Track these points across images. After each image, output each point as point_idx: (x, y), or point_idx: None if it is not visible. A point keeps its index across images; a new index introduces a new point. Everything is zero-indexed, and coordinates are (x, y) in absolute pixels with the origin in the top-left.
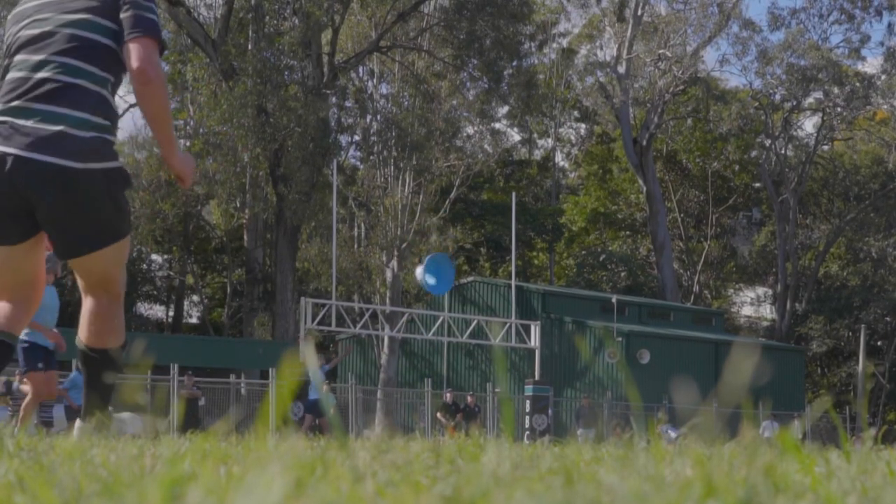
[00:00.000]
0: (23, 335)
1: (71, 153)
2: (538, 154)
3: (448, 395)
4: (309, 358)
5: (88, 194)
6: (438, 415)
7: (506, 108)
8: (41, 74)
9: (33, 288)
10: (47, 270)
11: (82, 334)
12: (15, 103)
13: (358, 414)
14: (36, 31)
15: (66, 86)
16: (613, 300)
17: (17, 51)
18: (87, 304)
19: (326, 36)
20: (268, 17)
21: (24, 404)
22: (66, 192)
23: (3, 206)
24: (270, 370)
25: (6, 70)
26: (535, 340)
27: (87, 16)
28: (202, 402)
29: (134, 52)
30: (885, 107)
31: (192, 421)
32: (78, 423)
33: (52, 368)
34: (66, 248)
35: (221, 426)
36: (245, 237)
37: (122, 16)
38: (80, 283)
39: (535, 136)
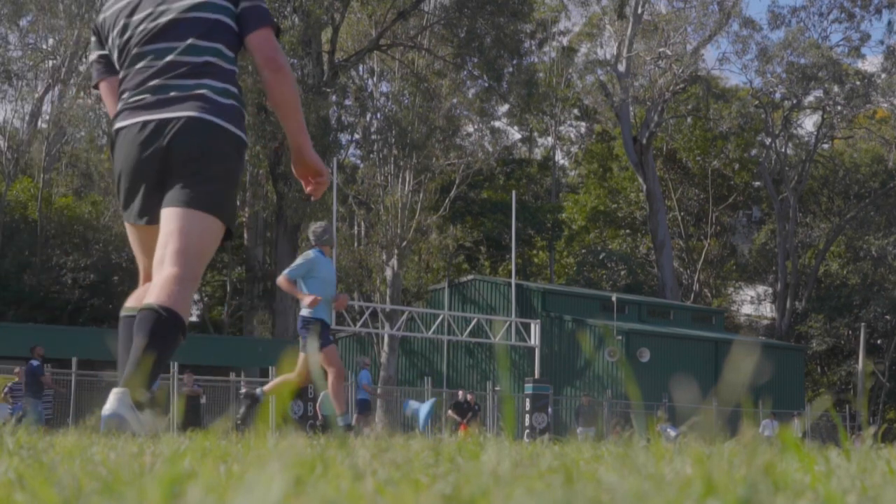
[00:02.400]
0: (305, 311)
1: (213, 112)
2: (538, 152)
3: (461, 393)
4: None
5: (220, 150)
6: (450, 412)
7: (506, 107)
8: (174, 57)
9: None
10: (324, 242)
11: (151, 296)
12: (154, 82)
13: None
14: (162, 21)
15: (203, 62)
16: (613, 299)
17: (144, 43)
18: (157, 277)
19: (327, 34)
20: None
21: (330, 382)
22: (200, 143)
23: (144, 177)
24: (270, 368)
25: (130, 61)
26: (534, 339)
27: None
28: (203, 399)
29: (261, 43)
30: (885, 105)
31: (193, 419)
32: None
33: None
34: (174, 195)
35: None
36: (245, 235)
37: (241, 5)
38: (155, 256)
39: (536, 134)
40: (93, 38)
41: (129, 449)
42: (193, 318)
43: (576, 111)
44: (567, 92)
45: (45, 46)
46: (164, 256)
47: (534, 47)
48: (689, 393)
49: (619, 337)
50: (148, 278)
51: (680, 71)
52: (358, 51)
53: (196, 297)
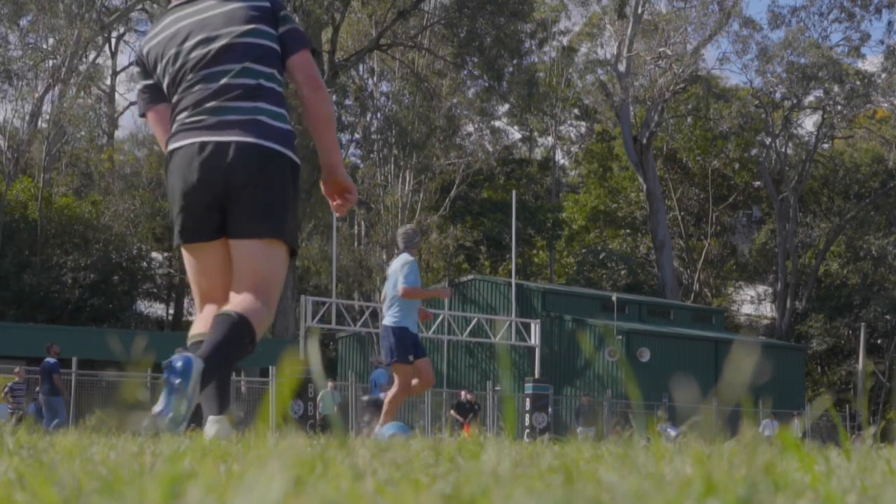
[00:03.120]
0: (390, 320)
1: (269, 137)
2: (538, 152)
3: (462, 394)
4: (312, 355)
5: (278, 175)
6: (452, 412)
7: (506, 107)
8: (230, 80)
9: (226, 291)
10: (414, 246)
11: (229, 305)
12: (210, 104)
13: (358, 412)
14: (215, 46)
15: (257, 85)
16: (613, 298)
17: (199, 68)
18: (235, 296)
19: (327, 34)
20: None
21: (389, 397)
22: (259, 169)
23: (201, 197)
24: (270, 368)
25: (185, 86)
26: (535, 339)
27: (255, 25)
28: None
29: (301, 64)
30: (885, 105)
31: (194, 419)
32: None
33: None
34: (239, 224)
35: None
36: None
37: (280, 29)
38: (233, 285)
39: (536, 134)
40: (137, 69)
41: (130, 448)
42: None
43: (576, 111)
44: (567, 92)
45: (45, 46)
46: (240, 289)
47: (534, 47)
48: (689, 393)
49: (619, 337)
50: (207, 301)
51: (680, 71)
52: (358, 50)
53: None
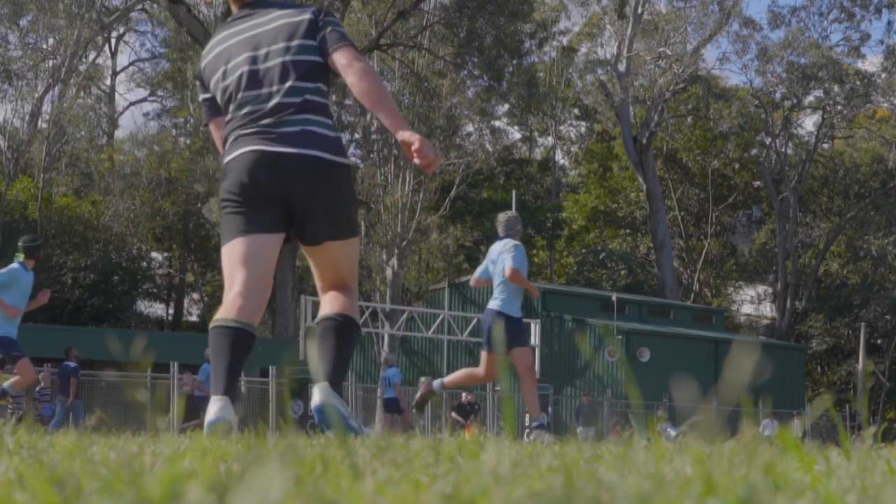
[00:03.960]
0: (496, 304)
1: (324, 148)
2: (538, 152)
3: (463, 395)
4: (311, 356)
5: (338, 183)
6: (453, 414)
7: (506, 107)
8: (280, 99)
9: (269, 284)
10: (517, 233)
11: (326, 308)
12: (266, 121)
13: (358, 412)
14: (263, 66)
15: (304, 101)
16: (613, 298)
17: (248, 87)
18: (329, 294)
19: None
20: None
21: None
22: (321, 180)
23: (262, 193)
24: (270, 368)
25: (237, 105)
26: (535, 339)
27: (298, 41)
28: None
29: (345, 54)
30: (886, 105)
31: (194, 419)
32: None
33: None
34: (315, 233)
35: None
36: None
37: (322, 33)
38: (318, 283)
39: (536, 134)
40: (197, 83)
41: (129, 448)
42: (193, 318)
43: (576, 111)
44: (567, 92)
45: (45, 46)
46: (328, 286)
47: (534, 47)
48: (689, 392)
49: (619, 337)
50: (239, 289)
51: (680, 71)
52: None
53: (196, 296)
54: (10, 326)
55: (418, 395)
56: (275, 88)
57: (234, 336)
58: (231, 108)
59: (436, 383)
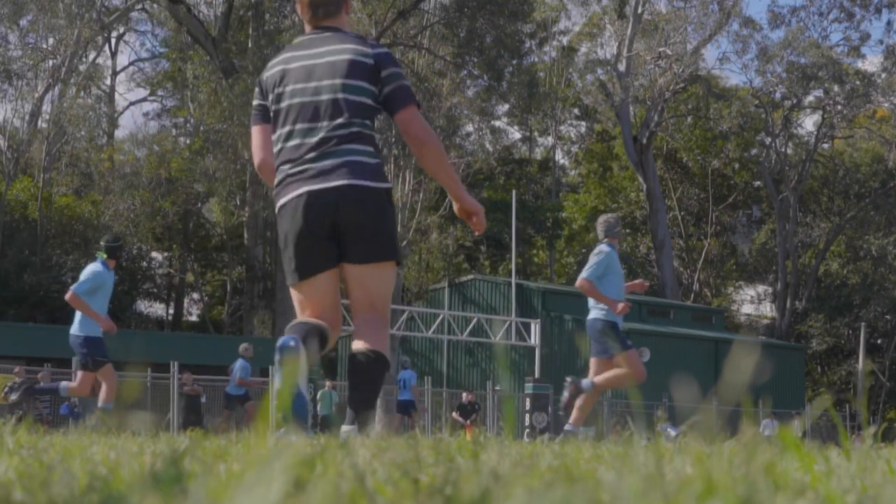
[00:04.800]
0: (598, 314)
1: (364, 175)
2: (538, 152)
3: (464, 395)
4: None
5: (379, 206)
6: (454, 414)
7: (506, 106)
8: (327, 133)
9: (339, 315)
10: (616, 235)
11: (359, 343)
12: (310, 155)
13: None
14: (316, 99)
15: (349, 133)
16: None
17: (297, 121)
18: (360, 321)
19: None
20: (268, 15)
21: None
22: (362, 205)
23: (315, 233)
24: (271, 368)
25: (286, 135)
26: (535, 338)
27: (354, 81)
28: (203, 399)
29: (408, 122)
30: (886, 105)
31: (194, 418)
32: (345, 426)
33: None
34: (355, 253)
35: (221, 424)
36: (245, 235)
37: (387, 89)
38: (353, 305)
39: (536, 134)
40: (256, 89)
41: (129, 448)
42: (193, 318)
43: (576, 111)
44: (567, 92)
45: (45, 46)
46: (360, 310)
47: (534, 47)
48: (689, 392)
49: None
50: (308, 313)
51: (680, 70)
52: None
53: (196, 296)
54: (96, 326)
55: (566, 396)
56: (324, 124)
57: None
58: (282, 133)
59: (585, 382)
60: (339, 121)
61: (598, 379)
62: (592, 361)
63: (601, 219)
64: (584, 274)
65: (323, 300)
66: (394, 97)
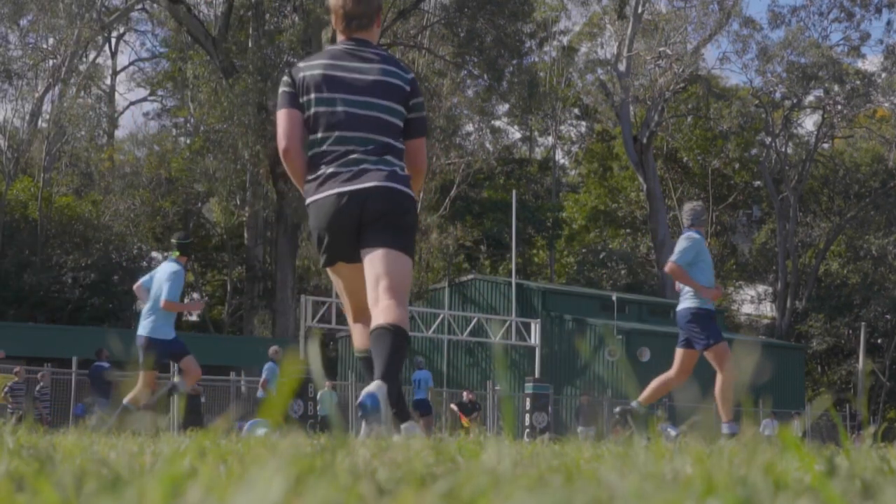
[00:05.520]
0: (691, 302)
1: (397, 181)
2: (538, 152)
3: (465, 395)
4: (312, 356)
5: (406, 208)
6: (454, 406)
7: (506, 106)
8: (370, 146)
9: (393, 294)
10: (702, 223)
11: (380, 318)
12: (347, 158)
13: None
14: (361, 113)
15: (384, 144)
16: (613, 298)
17: (338, 128)
18: (380, 302)
19: (327, 33)
20: (268, 15)
21: (720, 383)
22: (393, 204)
23: (344, 232)
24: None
25: (335, 139)
26: (535, 338)
27: (395, 105)
28: (203, 398)
29: (418, 151)
30: (886, 104)
31: (194, 418)
32: (405, 425)
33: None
34: (376, 240)
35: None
36: (245, 235)
37: (412, 115)
38: (370, 294)
39: (536, 133)
40: (286, 78)
41: (129, 448)
42: (193, 318)
43: (576, 111)
44: (567, 91)
45: (45, 46)
46: (382, 289)
47: (534, 47)
48: (689, 393)
49: (620, 336)
50: (359, 314)
51: (680, 70)
52: None
53: (196, 296)
54: (167, 326)
55: (618, 422)
56: (368, 136)
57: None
58: (326, 136)
59: (634, 404)
60: (380, 137)
61: (644, 396)
62: (678, 353)
63: (688, 206)
64: (673, 258)
65: (359, 290)
66: (415, 125)
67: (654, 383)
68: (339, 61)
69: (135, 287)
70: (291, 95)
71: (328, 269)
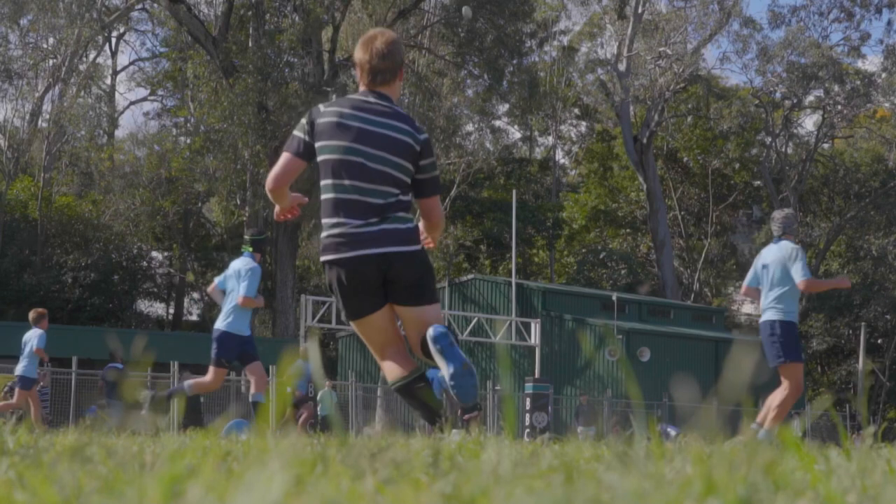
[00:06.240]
0: (776, 314)
1: (410, 241)
2: (539, 152)
3: None
4: (313, 356)
5: (423, 263)
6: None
7: (506, 106)
8: (383, 201)
9: (402, 339)
10: (793, 232)
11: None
12: (365, 218)
13: (358, 411)
14: (373, 167)
15: (395, 202)
16: (614, 298)
17: (358, 178)
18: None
19: (327, 33)
20: (268, 15)
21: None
22: (413, 265)
23: (371, 292)
24: (270, 367)
25: (342, 188)
26: (535, 338)
27: (404, 162)
28: (202, 398)
29: (432, 209)
30: (886, 104)
31: (195, 418)
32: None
33: None
34: (414, 298)
35: (221, 423)
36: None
37: (422, 175)
38: (411, 340)
39: (536, 133)
40: (304, 120)
41: (130, 448)
42: (193, 318)
43: (576, 110)
44: (567, 91)
45: (45, 45)
46: (419, 336)
47: (534, 47)
48: (690, 392)
49: (620, 336)
50: (386, 351)
51: (680, 70)
52: None
53: (196, 296)
54: (243, 322)
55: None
56: (379, 189)
57: (414, 383)
58: (337, 183)
59: (754, 426)
60: (391, 191)
61: (769, 424)
62: (781, 370)
63: (780, 214)
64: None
65: (385, 333)
66: (426, 185)
67: (771, 404)
68: (357, 111)
69: (209, 290)
70: (300, 142)
71: (352, 322)
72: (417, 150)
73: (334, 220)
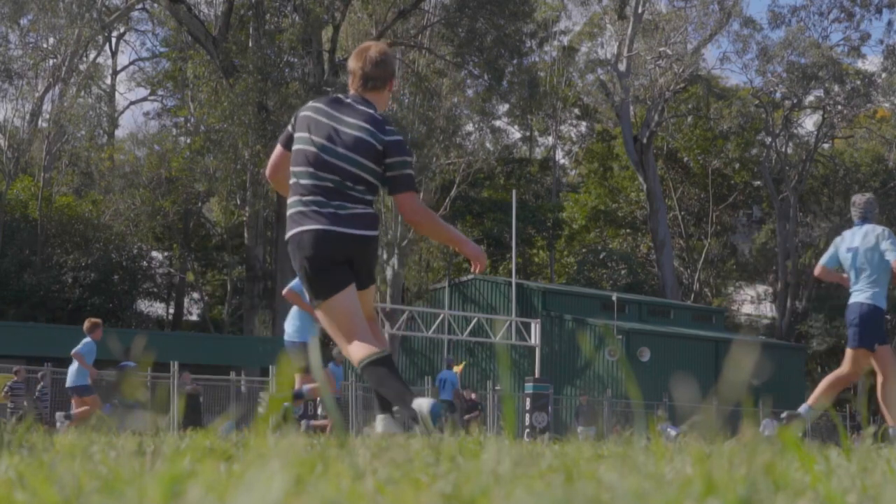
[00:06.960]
0: (862, 297)
1: (366, 226)
2: (539, 152)
3: (465, 393)
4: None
5: (373, 248)
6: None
7: (506, 106)
8: (336, 188)
9: (373, 323)
10: (873, 218)
11: (379, 345)
12: (324, 199)
13: (358, 411)
14: (332, 161)
15: (355, 195)
16: (614, 298)
17: (317, 167)
18: (371, 328)
19: (327, 33)
20: (268, 15)
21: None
22: (366, 248)
23: (329, 261)
24: (271, 367)
25: (305, 177)
26: (535, 338)
27: (362, 159)
28: (202, 398)
29: (402, 206)
30: (886, 105)
31: (194, 417)
32: (380, 417)
33: None
34: (363, 282)
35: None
36: (245, 234)
37: (390, 173)
38: (365, 315)
39: (536, 133)
40: (294, 116)
41: (130, 448)
42: (193, 318)
43: (576, 110)
44: (567, 91)
45: (45, 45)
46: (370, 317)
47: (534, 47)
48: (690, 392)
49: (620, 336)
50: (355, 331)
51: (680, 70)
52: None
53: (196, 296)
54: (306, 331)
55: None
56: (336, 179)
57: (387, 360)
58: (302, 170)
59: (803, 409)
60: (349, 184)
61: (813, 399)
62: (848, 353)
63: (862, 199)
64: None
65: (355, 311)
66: (395, 182)
67: (824, 385)
68: (331, 110)
69: (284, 292)
70: (286, 135)
71: (334, 298)
72: (380, 150)
73: (294, 199)
